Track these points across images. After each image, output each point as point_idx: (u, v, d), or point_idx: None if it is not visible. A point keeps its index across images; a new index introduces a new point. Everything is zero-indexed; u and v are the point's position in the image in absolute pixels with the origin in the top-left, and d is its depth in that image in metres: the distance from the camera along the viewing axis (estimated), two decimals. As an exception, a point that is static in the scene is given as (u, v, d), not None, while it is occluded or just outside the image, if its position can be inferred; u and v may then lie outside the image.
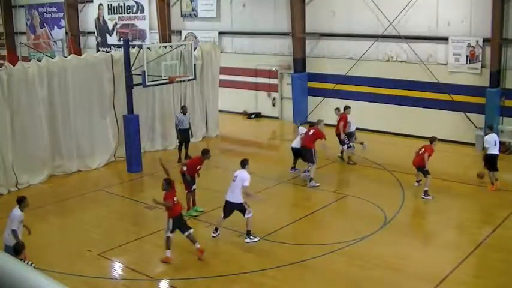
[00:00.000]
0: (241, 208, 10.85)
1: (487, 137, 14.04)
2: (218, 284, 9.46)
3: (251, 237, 10.94)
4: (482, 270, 10.03)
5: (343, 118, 16.15)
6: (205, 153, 12.40)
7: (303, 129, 15.32)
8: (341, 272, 9.85)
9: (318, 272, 9.82)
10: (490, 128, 14.64)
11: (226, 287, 9.39)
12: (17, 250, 8.08)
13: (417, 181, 13.99)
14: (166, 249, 10.06)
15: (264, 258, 10.25)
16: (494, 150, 13.83)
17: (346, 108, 16.49)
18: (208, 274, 9.75)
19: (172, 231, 10.04)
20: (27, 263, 7.42)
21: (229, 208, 10.93)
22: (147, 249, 11.04)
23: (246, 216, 10.84)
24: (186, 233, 10.16)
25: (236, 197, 10.80)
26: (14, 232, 9.13)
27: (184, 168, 12.35)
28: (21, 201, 9.36)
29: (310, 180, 14.31)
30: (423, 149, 13.56)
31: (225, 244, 11.05)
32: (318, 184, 14.22)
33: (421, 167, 13.48)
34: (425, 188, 13.34)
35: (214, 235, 11.19)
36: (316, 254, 10.36)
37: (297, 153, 15.11)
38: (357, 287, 9.32)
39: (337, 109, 16.74)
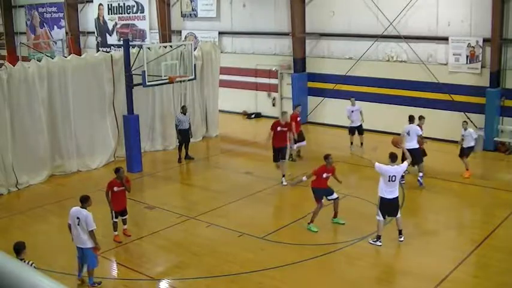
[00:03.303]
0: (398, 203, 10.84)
1: (472, 131, 14.75)
2: (218, 284, 9.46)
3: (403, 237, 10.74)
4: (482, 270, 10.02)
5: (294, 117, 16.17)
6: (326, 157, 11.62)
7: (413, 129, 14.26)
8: (341, 272, 9.85)
9: (318, 272, 9.82)
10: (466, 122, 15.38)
11: (226, 287, 9.39)
12: (17, 250, 8.07)
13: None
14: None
15: (264, 258, 10.24)
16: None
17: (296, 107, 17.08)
18: (208, 274, 9.75)
19: None
20: (27, 263, 7.42)
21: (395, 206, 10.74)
22: (147, 249, 11.04)
23: (399, 215, 10.71)
24: None
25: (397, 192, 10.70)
26: (92, 232, 9.12)
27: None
28: (85, 201, 9.35)
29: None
30: None
31: (225, 244, 11.04)
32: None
33: None
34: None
35: (380, 244, 10.64)
36: (316, 254, 10.36)
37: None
38: (357, 287, 9.32)
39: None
